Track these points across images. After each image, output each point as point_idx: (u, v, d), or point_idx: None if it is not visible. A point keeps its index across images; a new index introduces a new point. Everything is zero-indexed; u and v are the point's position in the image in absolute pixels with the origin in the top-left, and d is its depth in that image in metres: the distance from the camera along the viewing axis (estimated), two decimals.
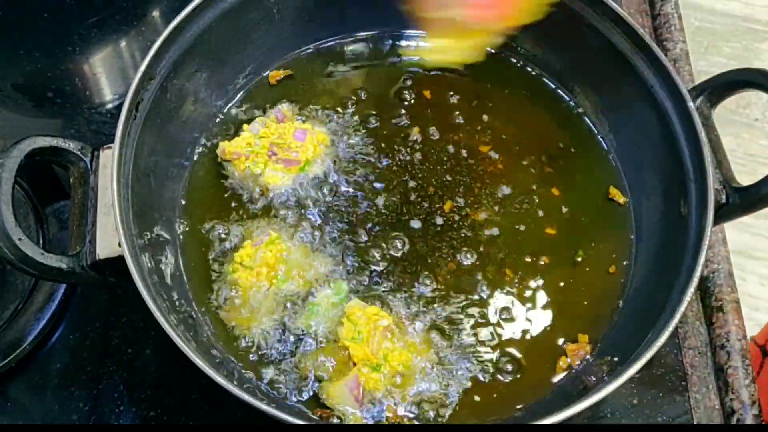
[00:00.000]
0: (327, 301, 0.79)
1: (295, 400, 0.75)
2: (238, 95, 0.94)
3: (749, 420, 0.79)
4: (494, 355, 0.78)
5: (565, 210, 0.87)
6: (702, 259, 0.71)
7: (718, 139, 0.80)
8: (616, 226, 0.86)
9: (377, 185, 0.88)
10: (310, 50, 0.97)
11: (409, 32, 0.98)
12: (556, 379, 0.77)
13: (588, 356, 0.78)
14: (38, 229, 0.90)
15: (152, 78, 0.80)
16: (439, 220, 0.85)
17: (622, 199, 0.87)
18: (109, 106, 1.03)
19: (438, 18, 0.76)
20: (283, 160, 0.85)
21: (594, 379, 0.75)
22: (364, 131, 0.91)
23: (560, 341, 0.79)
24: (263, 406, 0.64)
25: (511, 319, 0.80)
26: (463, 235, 0.84)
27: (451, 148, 0.90)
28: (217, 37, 0.88)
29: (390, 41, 0.98)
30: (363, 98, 0.94)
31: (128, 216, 0.73)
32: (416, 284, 0.81)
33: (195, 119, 0.89)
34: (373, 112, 0.93)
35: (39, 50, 1.07)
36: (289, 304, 0.79)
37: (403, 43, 0.98)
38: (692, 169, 0.77)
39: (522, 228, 0.85)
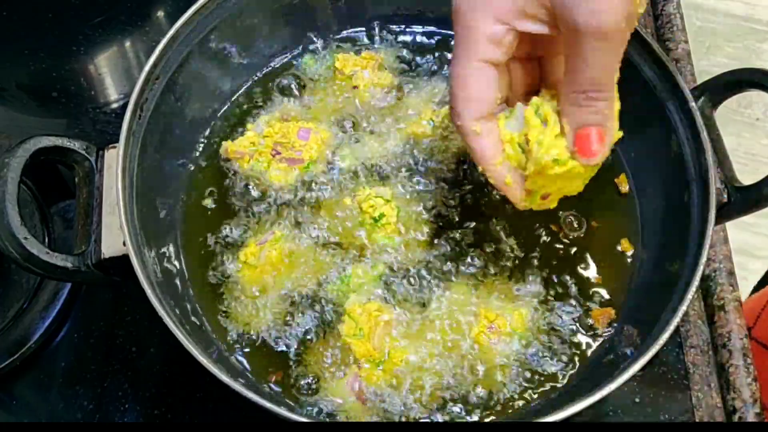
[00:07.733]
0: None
1: (298, 397, 0.75)
2: (242, 94, 0.94)
3: (751, 418, 0.79)
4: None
5: (567, 208, 0.86)
6: (704, 258, 0.71)
7: (720, 139, 0.80)
8: (619, 225, 0.86)
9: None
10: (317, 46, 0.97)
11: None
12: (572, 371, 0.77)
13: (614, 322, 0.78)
14: (43, 229, 0.90)
15: (157, 78, 0.81)
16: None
17: (625, 188, 0.87)
18: (114, 105, 1.04)
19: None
20: (287, 159, 0.85)
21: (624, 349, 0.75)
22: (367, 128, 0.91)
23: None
24: (267, 404, 0.64)
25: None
26: (469, 234, 0.84)
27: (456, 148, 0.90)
28: (222, 37, 0.88)
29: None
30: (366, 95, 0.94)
31: (133, 215, 0.74)
32: (419, 282, 0.81)
33: (199, 118, 0.90)
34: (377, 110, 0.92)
35: (44, 50, 1.07)
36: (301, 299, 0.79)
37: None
38: (694, 169, 0.78)
39: (525, 225, 0.85)
